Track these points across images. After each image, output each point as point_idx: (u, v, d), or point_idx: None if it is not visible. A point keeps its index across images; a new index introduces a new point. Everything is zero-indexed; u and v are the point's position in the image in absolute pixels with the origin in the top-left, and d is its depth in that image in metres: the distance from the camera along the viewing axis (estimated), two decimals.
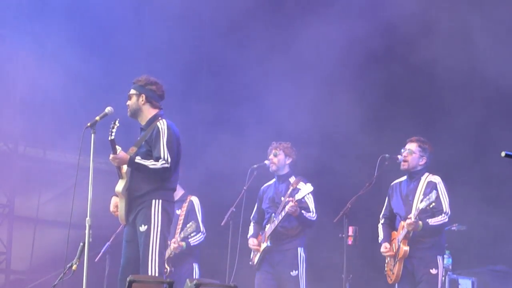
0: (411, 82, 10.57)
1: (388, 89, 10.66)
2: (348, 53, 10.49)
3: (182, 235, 8.95)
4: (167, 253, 8.97)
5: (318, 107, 10.72)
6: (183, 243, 9.00)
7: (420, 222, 7.78)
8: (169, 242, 9.00)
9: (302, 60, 10.98)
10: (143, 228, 6.95)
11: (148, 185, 7.01)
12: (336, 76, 10.63)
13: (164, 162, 6.95)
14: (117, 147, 6.91)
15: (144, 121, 7.21)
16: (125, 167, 7.03)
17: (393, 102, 10.50)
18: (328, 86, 10.72)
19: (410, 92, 10.61)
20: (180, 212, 9.25)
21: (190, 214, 9.21)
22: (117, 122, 6.89)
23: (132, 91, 7.24)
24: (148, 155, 7.02)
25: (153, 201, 7.00)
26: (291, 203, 8.16)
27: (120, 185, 7.03)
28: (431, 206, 7.69)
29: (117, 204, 7.16)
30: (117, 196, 7.18)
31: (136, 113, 7.19)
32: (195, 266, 9.17)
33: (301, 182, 8.42)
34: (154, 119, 7.17)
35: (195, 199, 9.30)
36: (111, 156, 6.90)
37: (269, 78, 11.13)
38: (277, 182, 8.73)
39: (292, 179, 8.60)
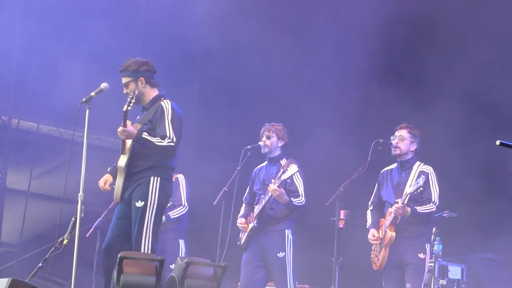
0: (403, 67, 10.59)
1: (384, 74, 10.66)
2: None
3: None
4: None
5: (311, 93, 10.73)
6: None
7: (409, 208, 7.80)
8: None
9: (303, 40, 10.95)
10: (139, 204, 6.89)
11: (148, 162, 6.95)
12: (330, 63, 10.63)
13: (170, 140, 6.90)
14: (128, 121, 6.82)
15: (146, 101, 7.12)
16: (129, 143, 6.96)
17: (386, 87, 10.48)
18: (325, 71, 10.73)
19: (403, 77, 10.62)
20: None
21: (175, 191, 9.25)
22: (136, 93, 6.85)
23: (127, 79, 7.07)
24: (150, 135, 6.95)
25: (152, 178, 6.94)
26: (272, 185, 8.17)
27: (122, 160, 6.96)
28: (419, 190, 7.72)
29: (107, 179, 7.11)
30: (109, 173, 7.15)
31: (140, 98, 7.05)
32: (181, 242, 9.22)
33: (291, 165, 8.40)
34: (157, 99, 7.11)
35: (180, 177, 9.35)
36: (120, 128, 6.80)
37: (266, 57, 11.10)
38: (268, 164, 8.72)
39: (283, 162, 8.57)
